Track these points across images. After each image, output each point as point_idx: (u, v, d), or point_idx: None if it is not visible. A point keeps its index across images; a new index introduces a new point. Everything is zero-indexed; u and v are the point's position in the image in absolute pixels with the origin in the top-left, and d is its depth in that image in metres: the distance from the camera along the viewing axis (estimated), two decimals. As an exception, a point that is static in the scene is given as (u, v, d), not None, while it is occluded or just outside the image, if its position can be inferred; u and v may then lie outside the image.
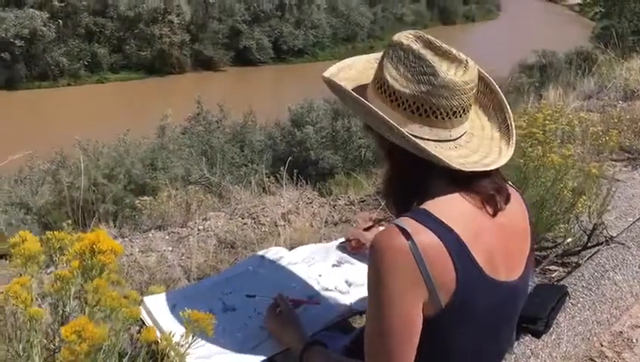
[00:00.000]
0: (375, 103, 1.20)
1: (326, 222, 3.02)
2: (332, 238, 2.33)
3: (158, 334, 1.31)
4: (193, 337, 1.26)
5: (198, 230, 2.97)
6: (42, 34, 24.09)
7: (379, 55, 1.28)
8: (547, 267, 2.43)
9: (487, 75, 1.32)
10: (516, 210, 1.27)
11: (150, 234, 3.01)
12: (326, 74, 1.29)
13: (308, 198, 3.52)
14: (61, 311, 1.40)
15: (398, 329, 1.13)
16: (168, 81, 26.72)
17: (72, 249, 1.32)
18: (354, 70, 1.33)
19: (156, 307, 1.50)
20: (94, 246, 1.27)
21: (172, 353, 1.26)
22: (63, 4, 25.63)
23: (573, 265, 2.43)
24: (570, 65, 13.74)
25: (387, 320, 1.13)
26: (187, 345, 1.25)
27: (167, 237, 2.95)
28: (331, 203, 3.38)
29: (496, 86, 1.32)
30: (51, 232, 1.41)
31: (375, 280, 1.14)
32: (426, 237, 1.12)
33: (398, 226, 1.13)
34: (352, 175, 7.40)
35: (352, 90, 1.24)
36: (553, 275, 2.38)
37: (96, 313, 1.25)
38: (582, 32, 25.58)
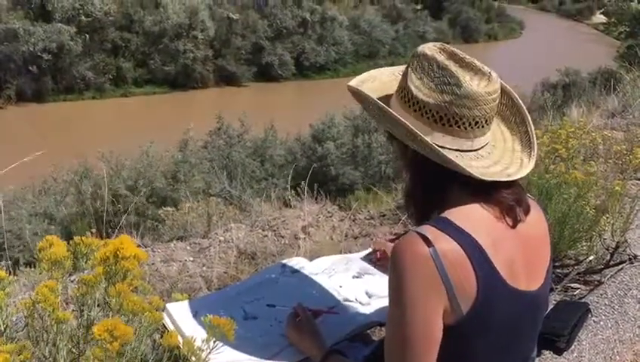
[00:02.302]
0: (399, 113, 1.22)
1: (346, 235, 3.02)
2: (352, 251, 2.34)
3: (180, 339, 1.33)
4: (214, 342, 1.28)
5: (219, 241, 2.99)
6: (69, 48, 24.54)
7: (403, 67, 1.30)
8: (569, 284, 2.40)
9: (509, 88, 1.33)
10: (536, 221, 1.28)
11: (172, 245, 3.04)
12: (351, 83, 1.31)
13: (328, 212, 3.54)
14: (86, 316, 1.43)
15: (419, 337, 1.13)
16: (191, 95, 27.02)
17: (97, 254, 1.35)
18: (378, 82, 1.35)
19: (178, 313, 1.52)
20: (118, 252, 1.30)
21: (193, 358, 1.28)
22: (90, 19, 26.11)
23: (596, 283, 2.40)
24: (594, 84, 13.63)
25: (408, 326, 1.13)
26: (208, 351, 1.27)
27: (188, 247, 2.98)
28: (351, 217, 3.38)
29: (519, 99, 1.33)
30: (79, 237, 1.44)
31: (396, 287, 1.15)
32: (446, 244, 1.13)
33: (419, 233, 1.14)
34: (372, 189, 7.41)
35: (381, 96, 1.26)
36: (575, 293, 2.35)
37: (119, 318, 1.27)
38: (606, 51, 25.39)
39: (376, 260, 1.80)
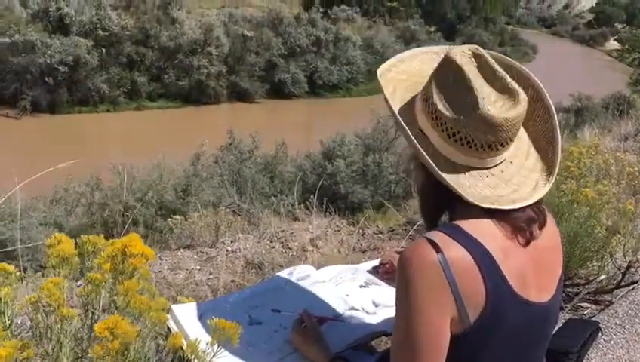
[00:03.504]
0: (420, 117, 1.20)
1: (354, 249, 3.01)
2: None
3: (184, 342, 1.31)
4: (218, 346, 1.26)
5: (227, 251, 2.99)
6: (85, 61, 24.83)
7: (435, 49, 1.27)
8: (579, 304, 2.37)
9: (549, 101, 1.26)
10: (548, 232, 1.25)
11: (179, 253, 3.04)
12: (390, 61, 1.28)
13: (336, 226, 3.53)
14: (90, 315, 1.42)
15: (425, 345, 1.11)
16: (204, 110, 27.19)
17: (105, 253, 1.35)
18: (417, 61, 1.30)
19: (183, 315, 1.51)
20: (126, 250, 1.29)
21: (196, 361, 1.27)
22: (107, 34, 26.44)
23: (606, 303, 2.37)
24: (606, 109, 13.58)
25: (414, 334, 1.11)
26: (212, 354, 1.26)
27: (195, 256, 2.98)
28: (360, 231, 3.37)
29: (555, 113, 1.26)
30: (85, 236, 1.44)
31: (403, 293, 1.13)
32: (455, 252, 1.11)
33: (427, 239, 1.13)
34: (381, 209, 7.37)
35: (403, 92, 1.24)
36: (585, 312, 2.32)
37: (125, 316, 1.27)
38: (619, 77, 25.34)
39: (384, 273, 1.77)
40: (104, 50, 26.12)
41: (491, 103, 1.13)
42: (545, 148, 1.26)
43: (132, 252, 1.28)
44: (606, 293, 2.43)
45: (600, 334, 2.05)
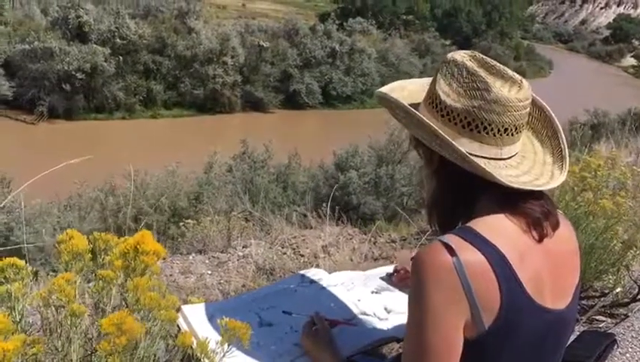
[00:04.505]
0: (427, 118, 1.19)
1: (366, 257, 2.99)
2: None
3: (194, 341, 1.30)
4: (228, 346, 1.25)
5: (238, 256, 2.98)
6: (102, 69, 25.13)
7: (430, 79, 1.29)
8: (594, 316, 2.33)
9: (541, 101, 1.30)
10: (565, 238, 1.23)
11: (191, 257, 3.03)
12: (381, 90, 1.30)
13: (349, 234, 3.51)
14: (101, 313, 1.42)
15: (438, 348, 1.09)
16: (218, 119, 27.37)
17: (117, 249, 1.34)
18: (407, 91, 1.33)
19: (194, 315, 1.50)
20: (138, 247, 1.29)
21: (206, 360, 1.26)
22: (124, 42, 26.75)
23: (622, 316, 2.33)
24: (623, 125, 13.47)
25: (427, 339, 1.09)
26: (222, 354, 1.25)
27: (207, 261, 2.97)
28: (372, 239, 3.35)
29: (551, 112, 1.30)
30: (98, 233, 1.44)
31: (416, 296, 1.11)
32: (470, 255, 1.09)
33: (442, 242, 1.11)
34: (394, 219, 7.33)
35: (408, 101, 1.25)
36: (600, 325, 2.28)
37: (135, 313, 1.26)
38: (636, 93, 25.16)
39: (398, 280, 1.75)
40: (121, 58, 26.43)
41: (502, 87, 1.16)
42: (549, 142, 1.29)
43: (144, 249, 1.28)
44: (622, 306, 2.39)
45: (616, 347, 2.01)
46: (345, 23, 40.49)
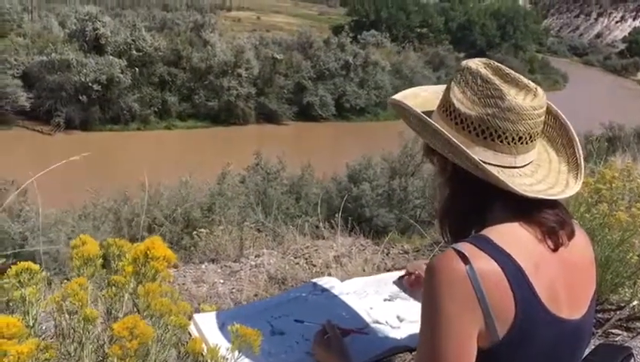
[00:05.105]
0: (440, 126, 1.19)
1: (378, 268, 2.97)
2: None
3: (205, 349, 1.30)
4: (239, 353, 1.25)
5: (250, 265, 2.98)
6: (119, 80, 25.41)
7: (444, 86, 1.28)
8: (610, 330, 2.30)
9: (556, 109, 1.29)
10: (581, 247, 1.22)
11: (203, 266, 3.04)
12: (394, 97, 1.30)
13: (361, 245, 3.50)
14: (113, 320, 1.42)
15: (452, 357, 1.08)
16: (232, 131, 27.52)
17: (129, 255, 1.35)
18: (421, 98, 1.33)
19: (205, 323, 1.50)
20: (148, 252, 1.29)
21: (217, 367, 1.25)
22: (140, 54, 27.05)
23: (639, 330, 2.29)
24: (639, 139, 13.36)
25: (440, 346, 1.08)
26: (232, 361, 1.25)
27: (219, 270, 2.98)
28: (384, 250, 3.34)
29: (566, 120, 1.29)
30: (112, 239, 1.45)
31: (429, 305, 1.10)
32: (484, 263, 1.08)
33: (455, 250, 1.10)
34: (407, 232, 7.30)
35: (421, 109, 1.25)
36: (616, 339, 2.24)
37: (146, 319, 1.26)
38: (652, 107, 24.95)
39: (409, 284, 1.74)
40: (137, 70, 26.72)
41: (516, 95, 1.15)
42: (564, 151, 1.28)
43: (154, 254, 1.28)
44: (638, 320, 2.35)
45: (632, 360, 1.98)
46: (359, 36, 40.67)
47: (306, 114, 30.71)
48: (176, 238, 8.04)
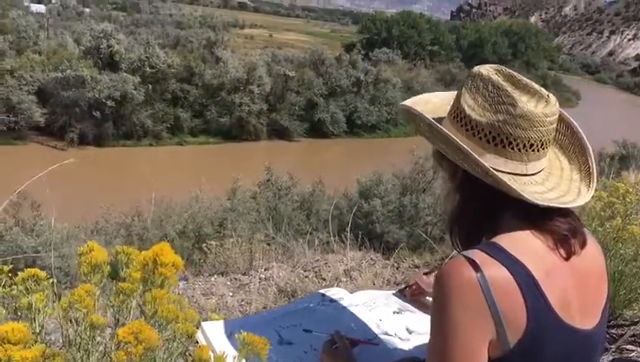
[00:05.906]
0: (451, 132, 1.18)
1: (388, 282, 2.95)
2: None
3: (212, 355, 1.29)
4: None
5: (260, 278, 2.97)
6: (132, 96, 25.62)
7: (455, 93, 1.27)
8: (624, 346, 2.26)
9: (568, 117, 1.28)
10: (593, 256, 1.20)
11: (212, 279, 3.03)
12: (405, 103, 1.29)
13: (371, 259, 3.48)
14: (120, 327, 1.41)
15: None
16: (244, 147, 27.61)
17: (136, 262, 1.35)
18: (431, 104, 1.32)
19: (213, 331, 1.49)
20: (157, 259, 1.29)
21: (223, 376, 1.24)
22: (154, 71, 27.29)
23: (654, 346, 2.25)
24: (652, 156, 13.25)
25: (450, 355, 1.06)
26: (239, 370, 1.23)
27: (228, 282, 2.97)
28: (394, 265, 3.31)
29: (579, 128, 1.28)
30: (120, 246, 1.44)
31: (439, 312, 1.08)
32: (495, 271, 1.06)
33: (465, 257, 1.08)
34: (418, 249, 7.26)
35: (431, 115, 1.24)
36: (631, 355, 2.20)
37: (153, 326, 1.25)
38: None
39: (411, 295, 1.72)
40: (150, 86, 26.94)
41: (528, 102, 1.14)
42: (576, 158, 1.26)
43: (162, 261, 1.27)
44: (653, 337, 2.31)
45: (647, 376, 1.94)
46: (370, 53, 40.81)
47: (317, 130, 30.77)
48: (187, 254, 8.05)
